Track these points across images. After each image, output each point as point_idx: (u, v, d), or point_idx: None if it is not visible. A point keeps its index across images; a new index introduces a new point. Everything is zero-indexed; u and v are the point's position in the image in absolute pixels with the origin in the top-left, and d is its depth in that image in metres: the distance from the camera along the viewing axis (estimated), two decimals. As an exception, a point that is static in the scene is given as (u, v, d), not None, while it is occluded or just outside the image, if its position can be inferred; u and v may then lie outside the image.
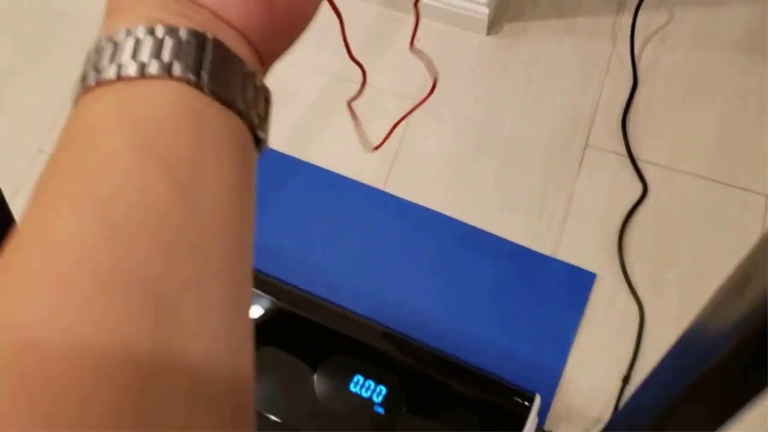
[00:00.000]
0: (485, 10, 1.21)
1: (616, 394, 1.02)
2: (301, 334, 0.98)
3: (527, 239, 1.11)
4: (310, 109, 1.22)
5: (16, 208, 1.13)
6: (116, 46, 0.25)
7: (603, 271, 1.09)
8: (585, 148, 1.17)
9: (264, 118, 0.28)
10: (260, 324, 0.98)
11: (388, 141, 1.19)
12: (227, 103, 0.25)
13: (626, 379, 1.02)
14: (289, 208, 1.15)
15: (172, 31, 0.25)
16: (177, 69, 0.24)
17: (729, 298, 0.44)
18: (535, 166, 1.16)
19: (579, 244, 1.11)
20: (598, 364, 1.04)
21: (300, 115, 1.22)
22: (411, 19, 1.26)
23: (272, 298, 1.00)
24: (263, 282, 1.01)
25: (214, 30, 0.26)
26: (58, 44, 1.28)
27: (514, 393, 0.95)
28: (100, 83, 0.24)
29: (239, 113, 0.26)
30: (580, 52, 1.24)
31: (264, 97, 0.28)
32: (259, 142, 0.28)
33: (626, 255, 1.10)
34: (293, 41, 0.32)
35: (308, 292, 1.03)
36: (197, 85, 0.24)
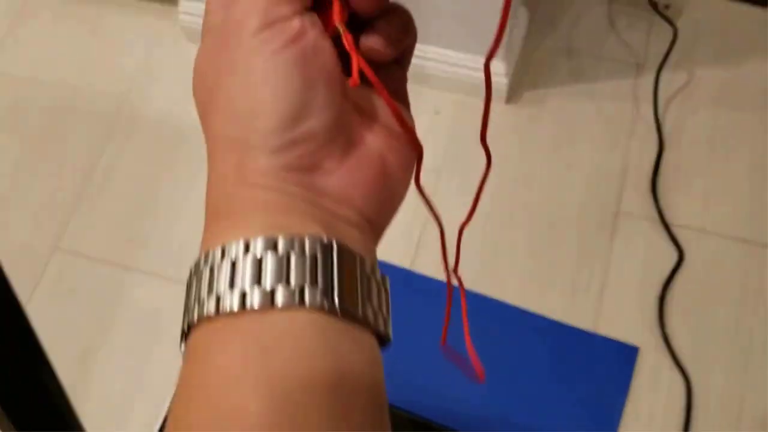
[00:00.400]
0: (504, 80, 1.20)
1: (670, 474, 0.98)
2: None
3: (565, 314, 1.08)
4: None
5: (33, 307, 1.12)
6: (233, 267, 0.24)
7: (645, 343, 1.06)
8: (616, 215, 1.15)
9: (387, 315, 0.27)
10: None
11: (413, 218, 1.17)
12: (358, 319, 0.24)
13: (680, 458, 0.98)
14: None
15: (295, 242, 0.24)
16: (308, 296, 0.23)
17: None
18: (566, 237, 1.14)
19: (618, 315, 1.08)
20: (649, 442, 1.00)
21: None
22: (429, 92, 1.25)
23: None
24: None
25: (335, 227, 0.26)
26: (66, 140, 1.28)
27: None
28: (219, 315, 0.23)
29: (367, 324, 0.25)
30: (603, 117, 1.23)
31: (384, 290, 0.28)
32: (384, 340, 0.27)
33: (667, 324, 1.07)
34: (398, 207, 0.32)
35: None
36: (330, 311, 0.23)
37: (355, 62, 0.28)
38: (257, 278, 0.23)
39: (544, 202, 1.17)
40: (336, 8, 0.28)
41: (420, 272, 1.13)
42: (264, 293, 0.23)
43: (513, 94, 1.25)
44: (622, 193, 1.17)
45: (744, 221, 1.13)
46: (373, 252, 0.29)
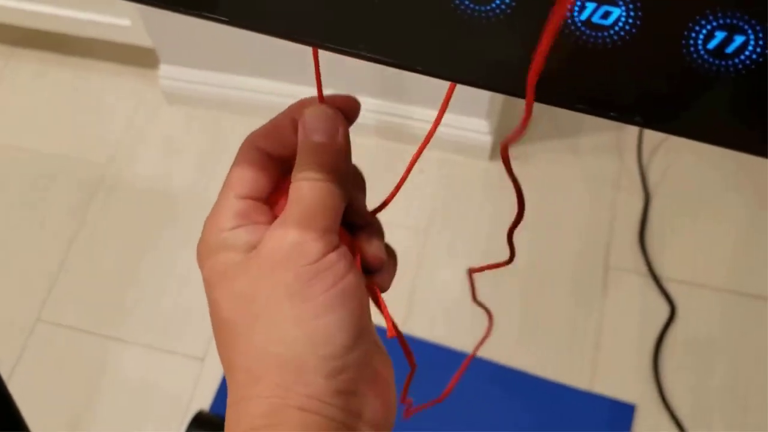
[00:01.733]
0: (487, 138, 1.20)
1: None
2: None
3: (558, 373, 1.07)
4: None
5: (17, 380, 1.08)
6: None
7: (642, 399, 1.04)
8: (607, 271, 1.14)
9: None
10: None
11: (401, 281, 1.15)
12: None
13: None
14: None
15: None
16: None
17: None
18: (558, 293, 1.13)
19: (614, 372, 1.07)
20: (651, 504, 0.98)
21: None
22: (412, 150, 1.25)
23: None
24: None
25: None
26: (47, 208, 1.26)
27: None
28: None
29: None
30: (588, 171, 1.23)
31: None
32: None
33: (663, 379, 1.05)
34: None
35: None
36: None
37: (389, 320, 0.36)
38: None
39: (534, 258, 1.16)
40: (389, 325, 0.35)
41: (412, 336, 1.12)
42: None
43: (496, 152, 1.25)
44: (610, 247, 1.16)
45: (734, 272, 1.13)
46: None
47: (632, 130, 1.24)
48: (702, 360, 1.07)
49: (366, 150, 1.26)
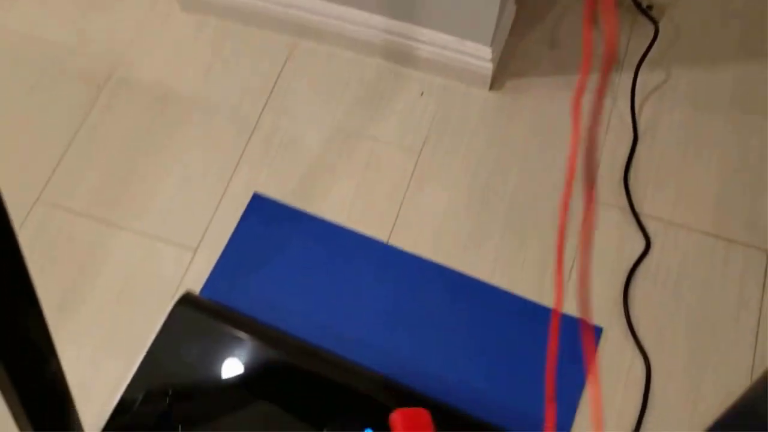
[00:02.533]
0: (488, 66, 1.24)
1: (625, 449, 1.02)
2: (310, 387, 0.97)
3: (533, 292, 1.12)
4: (314, 160, 1.23)
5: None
6: None
7: (609, 324, 1.10)
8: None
9: None
10: (271, 378, 0.98)
11: (392, 196, 1.20)
12: None
13: (635, 434, 1.02)
14: (293, 260, 1.15)
15: None
16: None
17: None
18: (540, 221, 1.17)
19: (584, 297, 1.11)
20: (607, 420, 1.04)
21: (304, 167, 1.23)
22: (415, 74, 1.29)
23: (282, 352, 0.99)
24: (272, 337, 1.01)
25: None
26: (57, 97, 1.29)
27: (525, 448, 0.94)
28: None
29: None
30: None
31: None
32: None
33: (632, 308, 1.11)
34: None
35: (316, 345, 1.02)
36: None
37: None
38: None
39: (522, 186, 1.20)
40: None
41: (396, 246, 1.16)
42: None
43: (496, 82, 1.28)
44: (595, 180, 1.20)
45: (711, 217, 1.18)
46: None
47: (628, 75, 1.28)
48: (670, 294, 1.12)
49: (370, 69, 1.30)
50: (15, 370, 0.70)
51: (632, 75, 1.27)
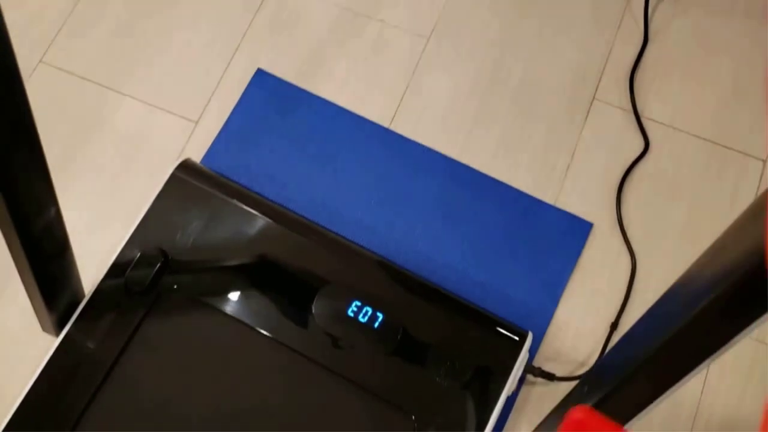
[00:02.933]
0: (504, -44, 1.21)
1: (603, 339, 1.05)
2: (303, 258, 1.00)
3: (529, 185, 1.13)
4: (320, 40, 1.22)
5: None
6: None
7: (600, 221, 1.12)
8: (592, 101, 1.19)
9: None
10: (265, 246, 1.00)
11: (397, 81, 1.19)
12: None
13: (614, 325, 1.05)
14: (292, 137, 1.16)
15: None
16: None
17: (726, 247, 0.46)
18: (542, 114, 1.18)
19: (579, 194, 1.13)
20: (588, 311, 1.07)
21: (310, 46, 1.22)
22: None
23: (277, 223, 1.01)
24: (268, 208, 1.02)
25: None
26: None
27: (508, 329, 0.97)
28: None
29: None
30: (595, 8, 1.25)
31: None
32: None
33: (624, 208, 1.12)
34: None
35: (310, 219, 1.04)
36: None
37: None
38: None
39: (528, 78, 1.20)
40: None
41: (397, 132, 1.17)
42: None
43: (510, -27, 1.26)
44: (600, 80, 1.20)
45: (712, 124, 1.18)
46: None
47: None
48: (664, 196, 1.13)
49: None
50: (17, 214, 0.72)
51: (648, -25, 1.25)
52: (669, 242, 1.11)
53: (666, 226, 1.12)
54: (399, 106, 1.18)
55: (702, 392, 1.04)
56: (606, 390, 0.50)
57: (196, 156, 1.14)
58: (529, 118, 1.18)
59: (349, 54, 1.21)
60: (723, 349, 0.43)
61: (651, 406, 0.47)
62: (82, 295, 0.96)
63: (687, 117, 1.18)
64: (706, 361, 0.44)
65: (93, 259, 1.01)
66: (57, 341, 0.93)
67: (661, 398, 0.47)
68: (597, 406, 0.52)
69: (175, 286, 0.96)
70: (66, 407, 0.90)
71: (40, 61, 1.19)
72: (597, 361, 1.03)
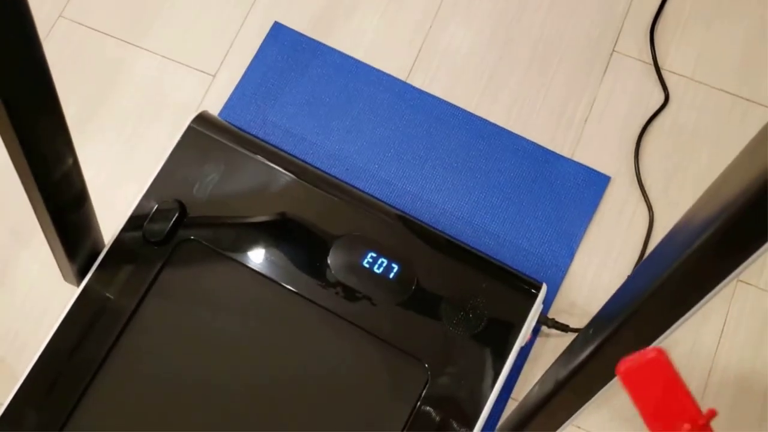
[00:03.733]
0: None
1: (619, 292, 1.05)
2: (319, 211, 1.00)
3: (546, 139, 1.12)
4: (339, -6, 1.21)
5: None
6: None
7: (618, 174, 1.11)
8: (612, 53, 1.17)
9: None
10: (281, 199, 1.00)
11: (414, 34, 1.19)
12: None
13: (630, 279, 1.05)
14: (310, 91, 1.16)
15: None
16: None
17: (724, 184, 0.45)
18: (561, 67, 1.17)
19: (597, 147, 1.12)
20: (604, 264, 1.07)
21: None
22: None
23: (293, 176, 1.01)
24: (285, 160, 1.03)
25: None
26: None
27: (523, 281, 0.98)
28: None
29: None
30: (615, -44, 1.22)
31: None
32: None
33: (642, 161, 1.11)
34: None
35: (328, 173, 1.05)
36: None
37: None
38: None
39: (547, 31, 1.19)
40: None
41: (414, 85, 1.16)
42: None
43: None
44: (620, 32, 1.18)
45: (733, 77, 1.16)
46: None
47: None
48: (683, 149, 1.12)
49: None
50: (36, 164, 0.73)
51: (672, -76, 1.22)
52: (687, 196, 1.10)
53: (684, 180, 1.11)
54: (416, 58, 1.18)
55: (718, 345, 1.04)
56: (609, 329, 0.51)
57: (214, 109, 1.14)
58: (547, 71, 1.17)
59: (366, 6, 1.21)
60: (727, 280, 0.43)
61: (655, 342, 0.48)
62: (102, 246, 0.98)
63: (709, 70, 1.16)
64: (709, 295, 0.44)
65: (112, 212, 1.02)
66: (78, 291, 0.95)
67: (663, 336, 0.47)
68: (600, 348, 0.53)
69: (192, 237, 0.97)
70: (87, 356, 0.92)
71: (60, 15, 1.20)
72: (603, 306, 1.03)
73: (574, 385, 0.59)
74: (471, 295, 0.96)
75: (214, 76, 1.17)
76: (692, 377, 1.03)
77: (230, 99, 1.15)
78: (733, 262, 0.41)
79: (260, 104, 1.15)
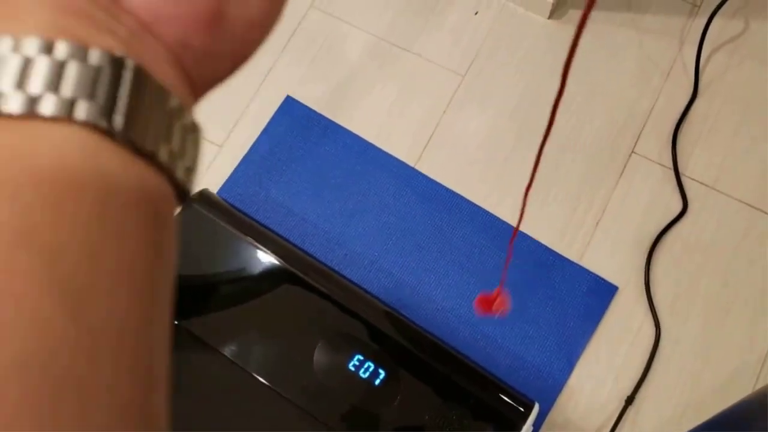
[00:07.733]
0: (551, -7, 1.16)
1: (616, 414, 1.00)
2: (309, 303, 0.97)
3: (554, 239, 1.08)
4: (353, 69, 1.19)
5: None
6: None
7: (626, 285, 1.06)
8: (630, 155, 1.13)
9: (192, 168, 0.22)
10: (271, 288, 0.97)
11: (426, 119, 1.15)
12: (146, 153, 0.19)
13: (630, 400, 1.00)
14: (316, 170, 1.13)
15: (78, 51, 0.18)
16: (81, 110, 0.18)
17: None
18: (575, 165, 1.12)
19: (606, 252, 1.08)
20: (604, 381, 1.02)
21: (342, 74, 1.19)
22: (473, -10, 1.21)
23: (287, 264, 0.98)
24: (280, 247, 1.00)
25: (137, 49, 0.20)
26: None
27: (514, 398, 0.93)
28: None
29: (160, 166, 0.20)
30: (644, 52, 1.18)
31: (193, 138, 0.22)
32: (182, 194, 0.22)
33: (653, 272, 1.06)
34: (238, 67, 0.25)
35: (322, 262, 1.01)
36: (107, 132, 0.18)
37: None
38: (21, 82, 0.17)
39: (562, 126, 1.15)
40: None
41: (422, 172, 1.13)
42: (28, 98, 0.17)
43: (557, 10, 1.21)
44: (641, 132, 1.14)
45: (756, 189, 1.11)
46: (186, 98, 0.23)
47: (700, 22, 1.19)
48: (697, 262, 1.07)
49: (426, -21, 1.23)
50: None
51: (705, 23, 1.18)
52: (697, 314, 1.05)
53: (696, 297, 1.06)
54: (427, 144, 1.14)
55: (718, 478, 0.98)
56: None
57: (218, 180, 1.12)
58: (561, 168, 1.12)
59: (381, 86, 1.18)
60: None
61: None
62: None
63: (730, 179, 1.11)
64: None
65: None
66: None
67: None
68: None
69: (175, 322, 0.94)
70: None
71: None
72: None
73: None
74: (458, 409, 0.91)
75: (221, 146, 1.15)
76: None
77: (235, 171, 1.13)
78: None
79: (264, 179, 1.12)
